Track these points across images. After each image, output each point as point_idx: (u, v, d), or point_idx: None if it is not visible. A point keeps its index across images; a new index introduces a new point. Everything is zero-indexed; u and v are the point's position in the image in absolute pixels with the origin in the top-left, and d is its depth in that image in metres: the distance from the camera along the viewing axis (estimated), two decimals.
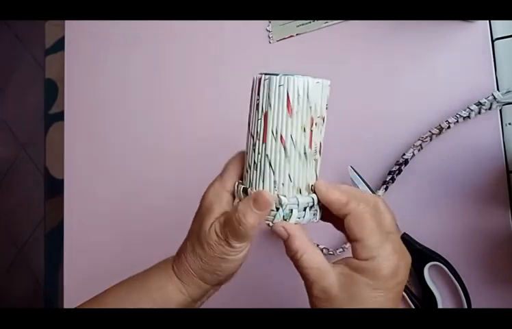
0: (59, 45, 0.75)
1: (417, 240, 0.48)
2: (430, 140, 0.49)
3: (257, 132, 0.35)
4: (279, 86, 0.34)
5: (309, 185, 0.35)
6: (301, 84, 0.34)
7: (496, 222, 0.46)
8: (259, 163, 0.35)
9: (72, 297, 0.68)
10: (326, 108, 0.36)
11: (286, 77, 0.34)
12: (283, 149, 0.34)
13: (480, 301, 0.46)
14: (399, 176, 0.50)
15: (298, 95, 0.34)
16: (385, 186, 0.50)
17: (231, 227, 0.34)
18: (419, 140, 0.49)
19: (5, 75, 1.94)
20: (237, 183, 0.37)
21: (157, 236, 0.63)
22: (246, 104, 0.62)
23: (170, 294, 0.38)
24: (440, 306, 0.47)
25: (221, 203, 0.37)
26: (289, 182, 0.35)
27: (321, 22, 0.55)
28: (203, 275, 0.37)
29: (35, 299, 1.65)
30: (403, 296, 0.48)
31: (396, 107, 0.51)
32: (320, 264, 0.33)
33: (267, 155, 0.35)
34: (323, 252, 0.52)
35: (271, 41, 0.58)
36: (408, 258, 0.33)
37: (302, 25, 0.56)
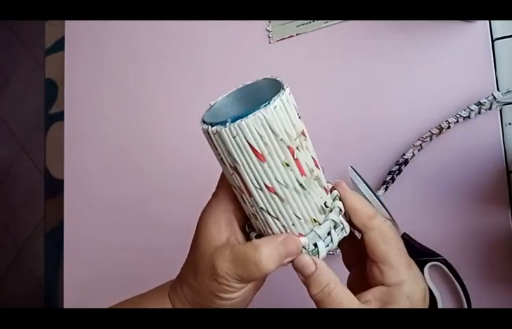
0: (59, 45, 0.75)
1: (417, 240, 0.48)
2: (430, 140, 0.49)
3: (238, 186, 0.30)
4: (233, 137, 0.27)
5: (321, 206, 0.31)
6: (258, 124, 0.27)
7: (496, 222, 0.46)
8: (257, 214, 0.30)
9: (72, 297, 0.68)
10: (300, 117, 0.29)
11: (236, 124, 0.27)
12: (275, 196, 0.29)
13: (480, 301, 0.46)
14: (399, 176, 0.50)
15: (261, 137, 0.27)
16: (385, 186, 0.50)
17: (243, 265, 0.30)
18: (419, 140, 0.49)
19: (5, 75, 1.94)
20: (247, 226, 0.33)
21: (157, 236, 0.63)
22: None
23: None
24: (440, 306, 0.47)
25: (219, 225, 0.32)
26: (299, 220, 0.30)
27: (321, 22, 0.55)
28: (199, 305, 0.34)
29: (35, 299, 1.65)
30: None
31: (396, 107, 0.51)
32: (352, 300, 0.29)
33: (261, 208, 0.30)
34: None
35: (271, 41, 0.58)
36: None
37: (302, 25, 0.56)
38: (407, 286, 0.29)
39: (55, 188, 0.72)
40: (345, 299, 0.29)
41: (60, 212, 0.70)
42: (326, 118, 0.55)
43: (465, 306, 0.46)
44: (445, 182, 0.48)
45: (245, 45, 0.60)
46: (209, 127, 0.28)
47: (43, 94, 0.76)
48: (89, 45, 0.72)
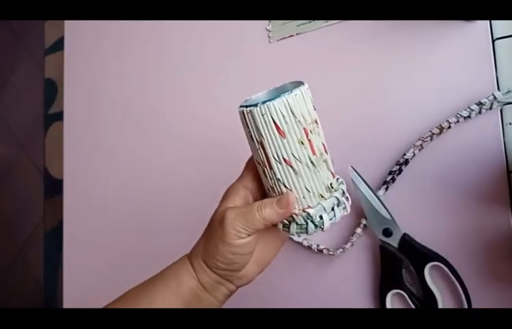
0: (59, 45, 0.75)
1: (417, 240, 0.48)
2: (431, 139, 0.49)
3: (262, 161, 0.37)
4: (262, 115, 0.35)
5: (328, 186, 0.37)
6: (282, 106, 0.35)
7: (496, 222, 0.46)
8: (274, 187, 0.37)
9: (72, 297, 0.68)
10: (315, 109, 0.37)
11: (266, 105, 0.35)
12: (290, 168, 0.35)
13: (480, 301, 0.46)
14: (399, 176, 0.50)
15: (283, 116, 0.35)
16: (385, 186, 0.50)
17: (247, 212, 0.37)
18: (419, 140, 0.49)
19: (4, 74, 1.94)
20: None
21: (157, 236, 0.63)
22: None
23: (181, 277, 0.40)
24: (441, 306, 0.47)
25: (236, 195, 0.39)
26: (309, 193, 0.36)
27: (321, 22, 0.55)
28: (205, 256, 0.39)
29: (35, 299, 1.65)
30: (403, 297, 0.48)
31: (396, 107, 0.51)
32: None
33: (278, 179, 0.36)
34: (323, 253, 0.52)
35: (271, 41, 0.58)
36: None
37: (302, 24, 0.56)
38: None
39: (54, 188, 0.72)
40: None
41: (60, 212, 0.70)
42: (325, 117, 0.54)
43: (466, 307, 0.46)
44: (445, 182, 0.48)
45: (245, 45, 0.60)
46: (244, 108, 0.36)
47: (42, 94, 0.76)
48: (89, 45, 0.72)
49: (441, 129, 0.48)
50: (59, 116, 0.73)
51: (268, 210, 0.36)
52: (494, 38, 0.47)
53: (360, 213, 0.51)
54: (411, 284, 0.49)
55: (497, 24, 0.47)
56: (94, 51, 0.71)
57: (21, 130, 1.86)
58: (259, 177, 0.39)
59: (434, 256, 0.47)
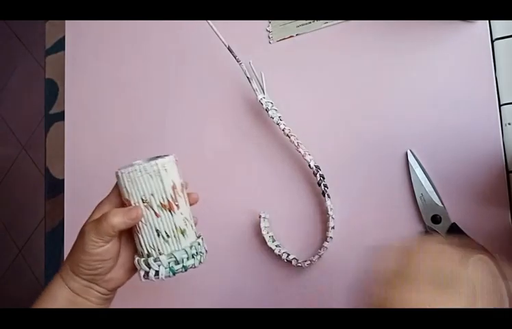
0: (60, 45, 0.75)
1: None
2: None
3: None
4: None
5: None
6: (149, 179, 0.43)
7: (496, 222, 0.46)
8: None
9: None
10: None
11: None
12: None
13: None
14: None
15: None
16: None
17: (98, 223, 0.42)
18: None
19: (5, 74, 1.94)
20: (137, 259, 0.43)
21: None
22: (246, 103, 0.62)
23: (54, 291, 0.43)
24: None
25: (101, 210, 0.44)
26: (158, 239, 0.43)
27: (321, 22, 0.55)
28: (72, 266, 0.43)
29: (35, 299, 1.65)
30: None
31: (396, 106, 0.51)
32: None
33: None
34: (291, 264, 0.53)
35: (271, 41, 0.58)
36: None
37: (302, 25, 0.56)
38: None
39: (55, 188, 0.72)
40: None
41: (60, 212, 0.70)
42: (325, 117, 0.55)
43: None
44: (445, 182, 0.48)
45: (245, 45, 0.59)
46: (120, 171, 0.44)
47: (43, 94, 0.76)
48: (89, 45, 0.72)
49: None
50: (60, 117, 0.73)
51: (117, 219, 0.41)
52: (493, 38, 0.47)
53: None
54: None
55: (497, 24, 0.47)
56: (95, 51, 0.71)
57: (22, 130, 1.87)
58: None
59: (481, 249, 0.45)
